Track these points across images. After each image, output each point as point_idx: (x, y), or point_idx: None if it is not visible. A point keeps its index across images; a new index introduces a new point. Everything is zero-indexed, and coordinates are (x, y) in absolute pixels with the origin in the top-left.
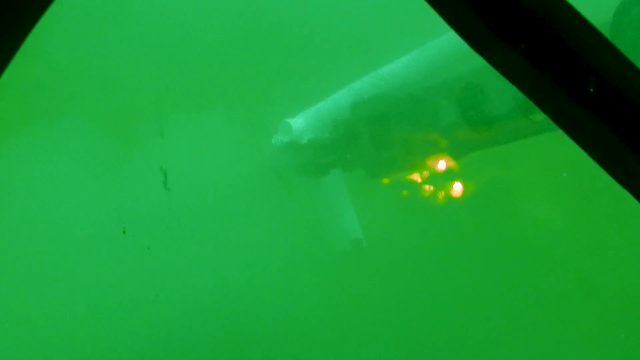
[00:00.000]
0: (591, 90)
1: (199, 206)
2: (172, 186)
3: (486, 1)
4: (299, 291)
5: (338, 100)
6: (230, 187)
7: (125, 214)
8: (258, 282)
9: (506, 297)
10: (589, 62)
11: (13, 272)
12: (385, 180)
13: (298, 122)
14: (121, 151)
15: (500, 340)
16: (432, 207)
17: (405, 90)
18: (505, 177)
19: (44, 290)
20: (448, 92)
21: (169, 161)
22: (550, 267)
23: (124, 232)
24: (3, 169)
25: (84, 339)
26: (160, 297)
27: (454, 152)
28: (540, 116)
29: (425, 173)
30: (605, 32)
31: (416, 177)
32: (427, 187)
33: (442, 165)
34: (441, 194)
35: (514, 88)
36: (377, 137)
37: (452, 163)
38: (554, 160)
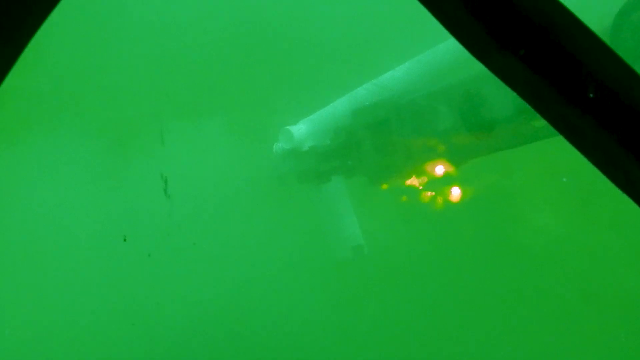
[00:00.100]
0: (591, 95)
1: (200, 213)
2: (173, 193)
3: (486, 8)
4: (301, 297)
5: (339, 107)
6: (232, 194)
7: (126, 222)
8: (260, 288)
9: (507, 300)
10: (589, 67)
11: (16, 278)
12: (387, 187)
13: (299, 130)
14: (123, 159)
15: (502, 344)
16: (434, 213)
17: (406, 97)
18: (505, 183)
19: (46, 297)
20: (448, 98)
21: (171, 169)
22: (551, 271)
23: (125, 240)
24: (5, 177)
25: (86, 345)
26: (161, 304)
27: (455, 158)
28: (540, 122)
29: (427, 179)
30: (605, 37)
31: (417, 183)
32: (428, 193)
33: (443, 171)
34: (442, 200)
35: (514, 94)
36: (378, 144)
37: (453, 169)
38: (554, 166)
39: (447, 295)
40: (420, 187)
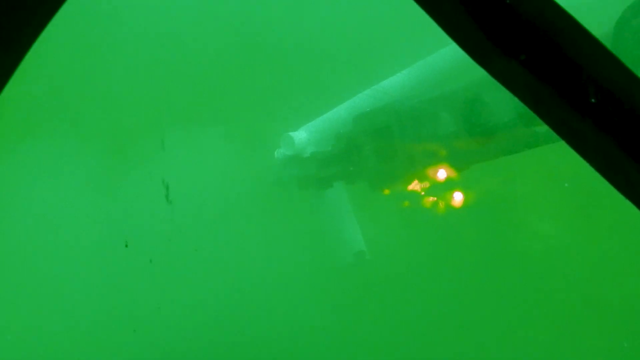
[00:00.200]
0: (592, 100)
1: (201, 219)
2: (175, 199)
3: (487, 13)
4: (303, 303)
5: (340, 113)
6: (233, 200)
7: (127, 228)
8: (261, 294)
9: (509, 305)
10: (590, 72)
11: (17, 285)
12: (388, 192)
13: (301, 136)
14: (124, 165)
15: (504, 349)
16: (436, 219)
17: (407, 103)
18: (506, 188)
19: (47, 303)
20: (450, 104)
21: (173, 175)
22: (554, 277)
23: (126, 246)
24: (6, 183)
25: (88, 351)
26: (163, 309)
27: (456, 164)
28: (542, 127)
29: (428, 185)
30: (607, 42)
31: (419, 188)
32: (430, 198)
33: (444, 176)
34: (444, 206)
35: (516, 99)
36: (380, 150)
37: (455, 174)
38: (556, 171)
39: (449, 300)
40: (422, 193)
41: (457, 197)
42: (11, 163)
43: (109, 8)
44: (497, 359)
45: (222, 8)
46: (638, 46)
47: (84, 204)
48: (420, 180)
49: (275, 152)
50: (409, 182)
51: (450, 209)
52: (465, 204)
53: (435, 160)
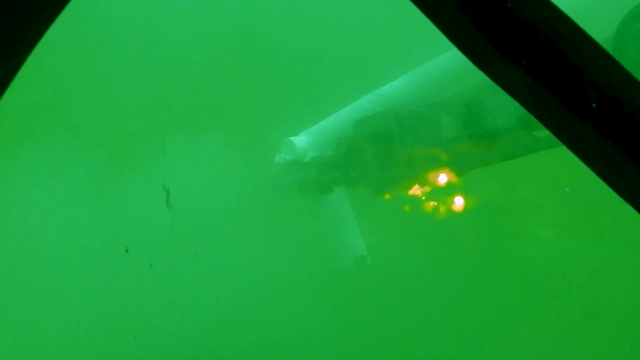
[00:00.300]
0: (593, 104)
1: (202, 224)
2: (175, 204)
3: (488, 17)
4: (304, 308)
5: (341, 117)
6: (233, 205)
7: (127, 232)
8: (262, 298)
9: (511, 308)
10: (591, 76)
11: (15, 291)
12: (389, 197)
13: (301, 140)
14: (124, 170)
15: (505, 354)
16: (437, 224)
17: (408, 107)
18: (507, 193)
19: (46, 308)
20: (451, 108)
21: (173, 180)
22: (554, 281)
23: (127, 250)
24: (7, 189)
25: (88, 356)
26: (164, 314)
27: (457, 168)
28: (543, 132)
29: (429, 189)
30: (608, 47)
31: (420, 193)
32: (431, 203)
33: (445, 181)
34: (445, 210)
35: (516, 104)
36: (381, 154)
37: (456, 179)
38: (557, 176)
39: (451, 305)
40: (423, 198)
41: (458, 202)
42: (11, 168)
43: (109, 13)
44: None
45: (222, 13)
46: (639, 51)
47: (84, 209)
48: (421, 185)
49: (276, 157)
50: (410, 187)
51: (451, 213)
52: (467, 209)
53: (436, 165)
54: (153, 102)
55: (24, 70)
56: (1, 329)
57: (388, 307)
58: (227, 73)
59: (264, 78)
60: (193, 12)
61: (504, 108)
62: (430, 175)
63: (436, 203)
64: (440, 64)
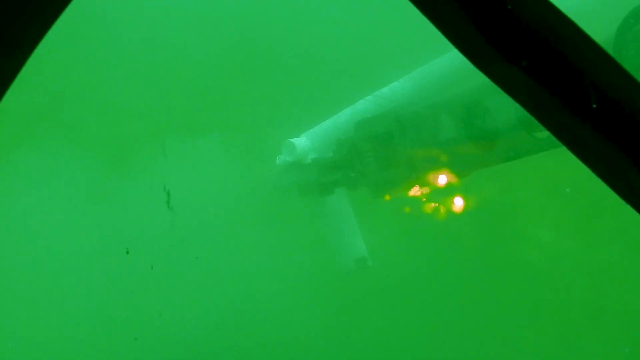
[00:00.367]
0: (593, 105)
1: (203, 225)
2: (176, 206)
3: (487, 18)
4: (305, 309)
5: (341, 119)
6: (234, 207)
7: (128, 234)
8: (262, 300)
9: (512, 309)
10: (591, 77)
11: (15, 292)
12: (390, 198)
13: (302, 142)
14: (125, 172)
15: (505, 356)
16: (438, 225)
17: (408, 109)
18: (508, 194)
19: (46, 310)
20: (451, 109)
21: (174, 181)
22: (555, 282)
23: (127, 252)
24: (8, 191)
25: (88, 359)
26: (164, 317)
27: (458, 170)
28: (543, 133)
29: (430, 191)
30: (608, 48)
31: (420, 194)
32: (431, 204)
33: (445, 182)
34: (446, 212)
35: (517, 105)
36: (381, 156)
37: (456, 180)
38: (558, 177)
39: (451, 307)
40: (424, 199)
41: (459, 203)
42: (12, 170)
43: (109, 15)
44: None
45: (223, 15)
46: (639, 51)
47: (85, 210)
48: (422, 186)
49: (277, 158)
50: (411, 188)
51: (452, 215)
52: (467, 210)
53: (436, 166)
54: (154, 104)
55: (24, 72)
56: (2, 331)
57: (389, 308)
58: (228, 75)
59: (264, 79)
60: (193, 13)
61: (504, 109)
62: (431, 177)
63: (437, 204)
64: (440, 65)
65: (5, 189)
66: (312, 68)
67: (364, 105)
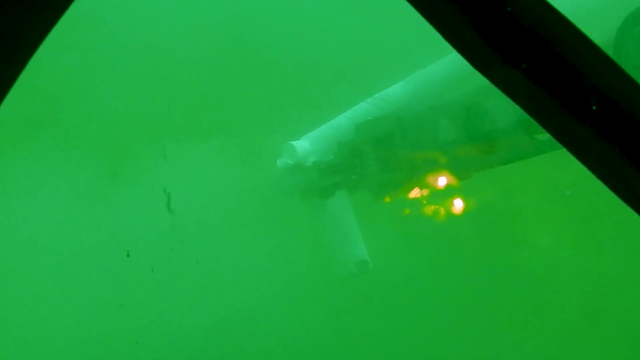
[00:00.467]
0: (593, 107)
1: (203, 228)
2: (176, 209)
3: (487, 21)
4: (305, 313)
5: (342, 122)
6: (235, 210)
7: (129, 237)
8: (263, 303)
9: (513, 312)
10: (591, 79)
11: (15, 296)
12: (390, 201)
13: (303, 145)
14: (126, 175)
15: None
16: (438, 227)
17: (409, 111)
18: (508, 196)
19: (46, 313)
20: (452, 111)
21: (175, 184)
22: (555, 288)
23: (128, 255)
24: (9, 193)
25: None
26: (165, 319)
27: (459, 172)
28: (543, 135)
29: (430, 193)
30: (608, 50)
31: (421, 197)
32: (432, 207)
33: (446, 184)
34: (447, 214)
35: (517, 107)
36: (382, 158)
37: (457, 183)
38: (558, 179)
39: (452, 309)
40: (424, 201)
41: (460, 206)
42: (12, 174)
43: (108, 19)
44: None
45: (223, 19)
46: (639, 53)
47: (85, 214)
48: (423, 188)
49: (278, 161)
50: (412, 191)
51: (453, 217)
52: (468, 212)
53: (437, 168)
54: (155, 107)
55: (23, 75)
56: (3, 332)
57: (389, 311)
58: (229, 78)
59: (265, 82)
60: (193, 17)
61: (504, 111)
62: (432, 179)
63: (438, 207)
64: (440, 67)
65: (6, 191)
66: (312, 71)
67: (364, 108)
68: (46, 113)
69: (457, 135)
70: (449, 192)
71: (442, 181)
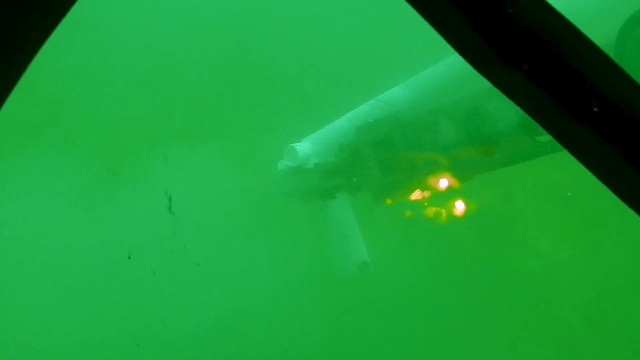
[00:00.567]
0: (595, 109)
1: (204, 231)
2: (178, 211)
3: (488, 22)
4: (306, 315)
5: (343, 124)
6: (236, 212)
7: (130, 239)
8: (264, 305)
9: (515, 314)
10: (592, 81)
11: (15, 298)
12: (392, 202)
13: (304, 147)
14: (127, 178)
15: None
16: (439, 229)
17: (410, 113)
18: (510, 198)
19: (47, 316)
20: (453, 113)
21: (176, 187)
22: (556, 291)
23: (129, 257)
24: (9, 195)
25: None
26: (166, 322)
27: (460, 174)
28: (544, 137)
29: (431, 195)
30: (610, 52)
31: (422, 199)
32: (433, 209)
33: (447, 187)
34: (448, 216)
35: (518, 108)
36: (383, 160)
37: (458, 185)
38: (559, 180)
39: (452, 311)
40: (426, 203)
41: (461, 207)
42: (13, 177)
43: (107, 24)
44: None
45: (224, 22)
46: None
47: (87, 216)
48: (424, 190)
49: (279, 164)
50: (413, 193)
51: (454, 219)
52: (469, 215)
53: (438, 170)
54: (157, 110)
55: (26, 77)
56: (5, 335)
57: (390, 313)
58: (230, 81)
59: (266, 84)
60: (192, 20)
61: (505, 113)
62: (433, 181)
63: (439, 208)
64: (441, 69)
65: (7, 193)
66: (313, 73)
67: (365, 110)
68: (47, 115)
69: (458, 137)
70: (450, 194)
71: (443, 183)
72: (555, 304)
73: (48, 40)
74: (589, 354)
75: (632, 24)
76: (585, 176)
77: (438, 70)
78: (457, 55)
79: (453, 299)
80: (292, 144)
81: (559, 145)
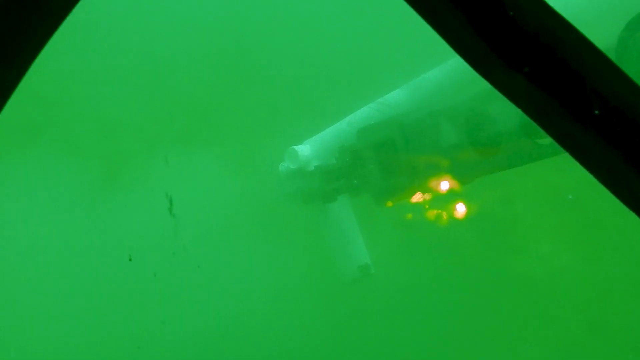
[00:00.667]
0: (596, 112)
1: (205, 233)
2: (179, 214)
3: (489, 25)
4: (307, 317)
5: (344, 126)
6: (237, 215)
7: (131, 242)
8: (264, 307)
9: (516, 316)
10: (594, 84)
11: (16, 300)
12: (392, 205)
13: (304, 149)
14: (128, 180)
15: None
16: (441, 232)
17: (411, 115)
18: (511, 201)
19: (48, 318)
20: (454, 116)
21: (177, 189)
22: (557, 295)
23: (130, 259)
24: (10, 197)
25: None
26: (167, 324)
27: (461, 177)
28: (546, 139)
29: (432, 198)
30: (611, 54)
31: (423, 201)
32: (433, 211)
33: (448, 189)
34: (449, 218)
35: (519, 111)
36: (384, 163)
37: (459, 187)
38: (560, 183)
39: (454, 313)
40: (426, 206)
41: (462, 210)
42: (13, 179)
43: (107, 27)
44: None
45: (224, 25)
46: None
47: (88, 218)
48: (425, 193)
49: (280, 166)
50: (414, 195)
51: (455, 222)
52: (470, 217)
53: (439, 173)
54: (158, 113)
55: (27, 80)
56: (6, 337)
57: (391, 315)
58: (231, 83)
59: (267, 87)
60: (192, 24)
61: (506, 116)
62: (434, 183)
63: (439, 211)
64: (442, 72)
65: (8, 195)
66: (314, 75)
67: (366, 113)
68: (48, 118)
69: (459, 139)
70: (450, 197)
71: (443, 186)
72: (555, 307)
73: (48, 42)
74: (590, 356)
75: (633, 26)
76: (586, 179)
77: (439, 72)
78: (458, 58)
79: (453, 301)
80: (293, 147)
81: (559, 148)
